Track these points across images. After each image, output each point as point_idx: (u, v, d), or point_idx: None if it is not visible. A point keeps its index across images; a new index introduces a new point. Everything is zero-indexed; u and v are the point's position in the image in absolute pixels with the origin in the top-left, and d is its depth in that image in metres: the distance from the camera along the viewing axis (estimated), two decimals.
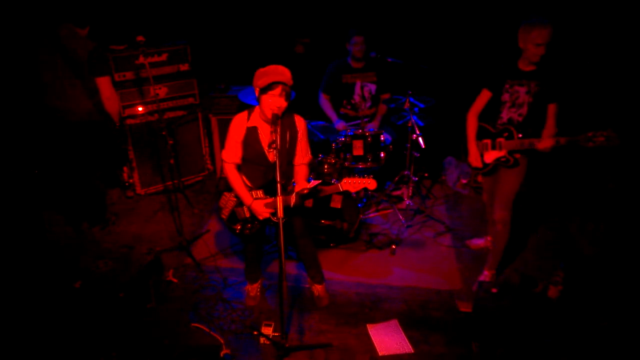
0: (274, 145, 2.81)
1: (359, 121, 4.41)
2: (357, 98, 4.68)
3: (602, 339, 3.07)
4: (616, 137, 3.00)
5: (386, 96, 4.75)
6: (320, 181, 3.23)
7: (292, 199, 3.06)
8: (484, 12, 5.22)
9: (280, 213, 2.76)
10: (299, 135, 3.10)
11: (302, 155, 3.18)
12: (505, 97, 3.35)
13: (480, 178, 4.84)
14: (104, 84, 3.84)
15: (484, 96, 3.46)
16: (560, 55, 3.45)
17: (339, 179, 3.97)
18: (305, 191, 3.06)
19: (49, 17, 3.81)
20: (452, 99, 5.19)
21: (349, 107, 4.69)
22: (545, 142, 3.18)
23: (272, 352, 3.16)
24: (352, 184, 2.94)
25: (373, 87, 4.67)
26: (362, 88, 4.65)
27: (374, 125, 4.63)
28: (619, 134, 3.01)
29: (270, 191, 3.08)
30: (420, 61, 4.68)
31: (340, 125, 4.54)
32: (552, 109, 3.25)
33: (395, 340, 3.29)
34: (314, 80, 4.82)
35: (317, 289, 3.59)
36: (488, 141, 3.47)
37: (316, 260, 3.54)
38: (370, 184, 2.94)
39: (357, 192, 4.48)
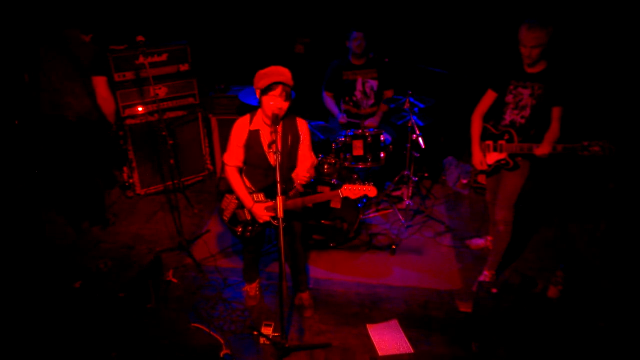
0: (273, 146, 2.81)
1: (359, 121, 4.41)
2: (358, 94, 4.69)
3: (601, 339, 3.07)
4: (611, 147, 3.01)
5: (389, 93, 4.75)
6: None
7: (297, 203, 3.06)
8: (490, 11, 5.21)
9: (280, 213, 2.76)
10: (301, 138, 3.09)
11: (305, 158, 3.15)
12: (509, 98, 3.34)
13: (480, 178, 4.85)
14: (100, 83, 3.86)
15: (489, 96, 3.45)
16: (566, 58, 3.44)
17: (339, 182, 3.99)
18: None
19: (54, 18, 3.83)
20: (453, 99, 5.19)
21: (351, 104, 4.70)
22: (543, 149, 3.17)
23: (272, 352, 3.16)
24: (352, 191, 2.93)
25: (375, 83, 4.68)
26: (363, 84, 4.66)
27: (374, 120, 4.64)
28: (617, 143, 3.01)
29: (271, 194, 3.07)
30: (420, 61, 4.68)
31: (342, 118, 4.55)
32: (556, 112, 3.21)
33: (395, 340, 3.29)
34: (314, 80, 4.82)
35: (303, 297, 3.56)
36: (490, 142, 3.46)
37: (305, 268, 3.57)
38: (371, 191, 2.92)
39: None
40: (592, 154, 3.06)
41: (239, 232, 3.25)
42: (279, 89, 2.81)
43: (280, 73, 2.85)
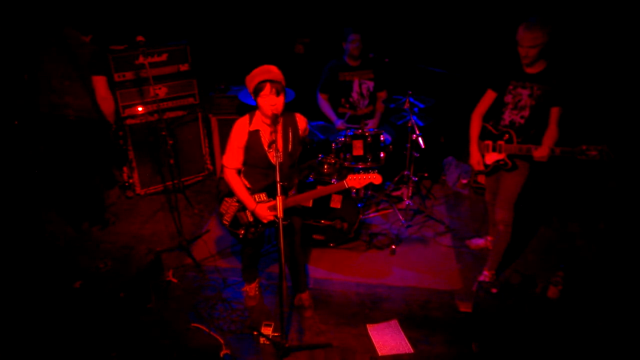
0: (273, 146, 2.81)
1: (357, 125, 4.42)
2: (355, 96, 4.69)
3: (601, 339, 3.07)
4: (610, 153, 3.00)
5: (383, 94, 4.76)
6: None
7: (299, 200, 3.07)
8: (490, 11, 5.20)
9: (280, 213, 2.75)
10: (301, 134, 3.09)
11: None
12: (508, 98, 3.33)
13: (480, 178, 4.85)
14: (99, 83, 3.86)
15: (489, 96, 3.44)
16: (566, 59, 3.43)
17: (340, 178, 3.99)
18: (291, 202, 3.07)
19: (54, 18, 3.83)
20: (453, 99, 5.19)
21: (347, 105, 4.70)
22: (541, 151, 3.17)
23: (272, 352, 3.16)
24: (357, 180, 2.92)
25: (371, 84, 4.68)
26: (360, 85, 4.66)
27: (373, 123, 4.64)
28: (617, 145, 3.00)
29: (273, 194, 3.05)
30: (419, 61, 4.68)
31: (340, 124, 4.56)
32: (554, 113, 3.21)
33: (395, 340, 3.29)
34: (313, 80, 4.82)
35: (303, 297, 3.56)
36: (489, 142, 3.46)
37: (304, 268, 3.58)
38: (376, 179, 2.91)
39: (357, 192, 4.49)
40: (590, 159, 3.06)
41: (241, 235, 3.21)
42: (267, 87, 2.79)
43: (266, 71, 2.83)
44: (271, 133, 2.88)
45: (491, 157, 3.47)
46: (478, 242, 4.21)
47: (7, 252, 3.90)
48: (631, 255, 3.91)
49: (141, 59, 4.45)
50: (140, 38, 3.72)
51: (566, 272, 3.45)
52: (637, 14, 4.41)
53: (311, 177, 4.06)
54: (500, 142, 3.39)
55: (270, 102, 2.81)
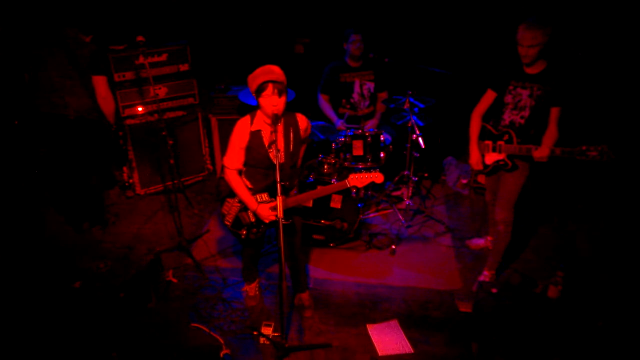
0: (274, 146, 2.81)
1: (357, 125, 4.42)
2: (356, 96, 4.69)
3: (601, 339, 3.07)
4: (610, 154, 3.00)
5: (384, 95, 4.76)
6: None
7: (300, 200, 3.08)
8: (490, 11, 5.20)
9: (280, 213, 2.76)
10: (302, 134, 3.09)
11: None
12: (508, 98, 3.33)
13: (480, 178, 4.85)
14: (99, 82, 3.87)
15: (489, 96, 3.44)
16: (566, 59, 3.42)
17: (340, 178, 3.99)
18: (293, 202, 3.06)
19: (55, 19, 3.83)
20: (453, 99, 5.19)
21: (348, 106, 4.70)
22: (541, 152, 3.17)
23: (272, 352, 3.17)
24: (359, 179, 2.93)
25: (372, 85, 4.69)
26: (361, 86, 4.66)
27: (372, 124, 4.64)
28: (617, 145, 3.00)
29: (275, 194, 3.05)
30: (419, 61, 4.67)
31: (340, 124, 4.56)
32: (554, 113, 3.21)
33: (395, 340, 3.29)
34: (313, 80, 4.82)
35: (303, 297, 3.56)
36: (489, 143, 3.46)
37: (305, 268, 3.58)
38: (377, 177, 2.92)
39: (357, 192, 4.48)
40: (590, 159, 3.06)
41: (243, 236, 3.20)
42: (270, 88, 2.79)
43: (269, 71, 2.83)
44: (271, 133, 2.88)
45: (491, 157, 3.47)
46: (478, 242, 4.21)
47: (8, 252, 3.90)
48: (631, 255, 3.91)
49: (141, 59, 4.45)
50: (140, 38, 3.72)
51: (566, 272, 3.45)
52: (637, 14, 4.41)
53: (311, 177, 4.06)
54: (500, 142, 3.39)
55: (272, 102, 2.82)
